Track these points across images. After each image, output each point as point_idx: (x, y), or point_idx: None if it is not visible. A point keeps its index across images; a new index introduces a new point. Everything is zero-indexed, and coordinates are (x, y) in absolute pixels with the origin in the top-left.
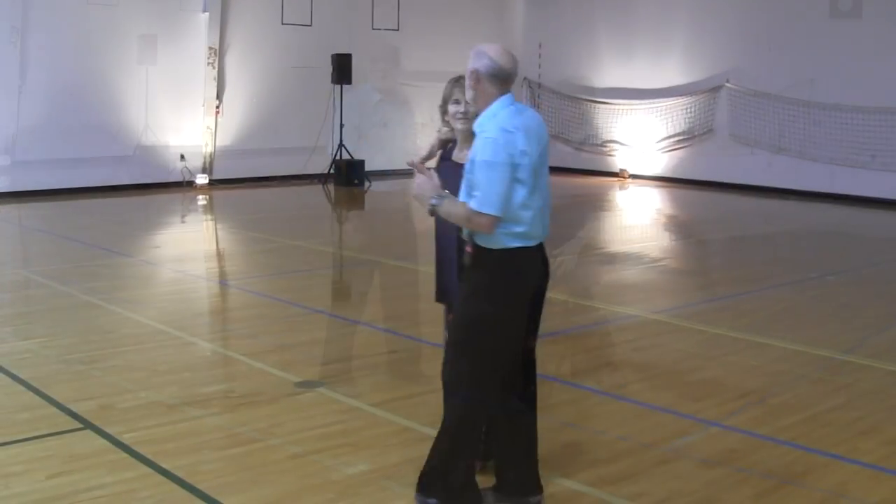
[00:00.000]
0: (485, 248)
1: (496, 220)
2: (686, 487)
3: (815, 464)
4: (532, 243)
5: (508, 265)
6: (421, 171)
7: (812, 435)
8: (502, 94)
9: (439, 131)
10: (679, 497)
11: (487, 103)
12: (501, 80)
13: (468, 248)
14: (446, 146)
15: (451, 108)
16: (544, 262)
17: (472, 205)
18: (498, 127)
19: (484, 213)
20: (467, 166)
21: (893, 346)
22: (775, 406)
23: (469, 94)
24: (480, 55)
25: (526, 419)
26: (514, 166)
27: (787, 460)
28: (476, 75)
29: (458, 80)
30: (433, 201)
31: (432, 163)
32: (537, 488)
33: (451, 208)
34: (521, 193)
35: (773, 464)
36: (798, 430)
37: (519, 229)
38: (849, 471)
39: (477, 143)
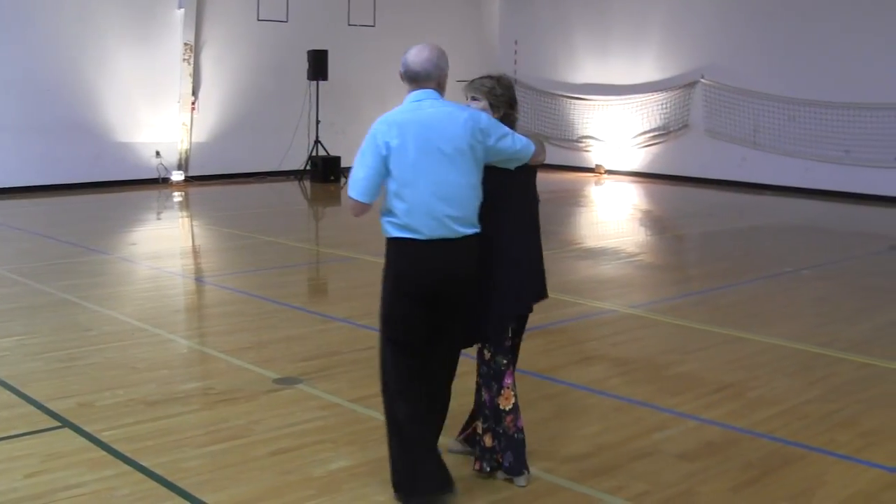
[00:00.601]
0: (386, 237)
1: (361, 205)
2: (664, 480)
3: (793, 456)
4: (418, 237)
5: (396, 255)
6: None
7: (789, 428)
8: (414, 90)
9: None
10: (658, 490)
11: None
12: (410, 78)
13: None
14: None
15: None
16: (444, 263)
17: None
18: (379, 119)
19: (350, 197)
20: None
21: (868, 339)
22: (752, 399)
23: None
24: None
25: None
26: (382, 157)
27: (765, 453)
28: (400, 73)
29: (472, 81)
30: None
31: None
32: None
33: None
34: (391, 185)
35: (751, 456)
36: (775, 422)
37: (396, 220)
38: (826, 463)
39: None
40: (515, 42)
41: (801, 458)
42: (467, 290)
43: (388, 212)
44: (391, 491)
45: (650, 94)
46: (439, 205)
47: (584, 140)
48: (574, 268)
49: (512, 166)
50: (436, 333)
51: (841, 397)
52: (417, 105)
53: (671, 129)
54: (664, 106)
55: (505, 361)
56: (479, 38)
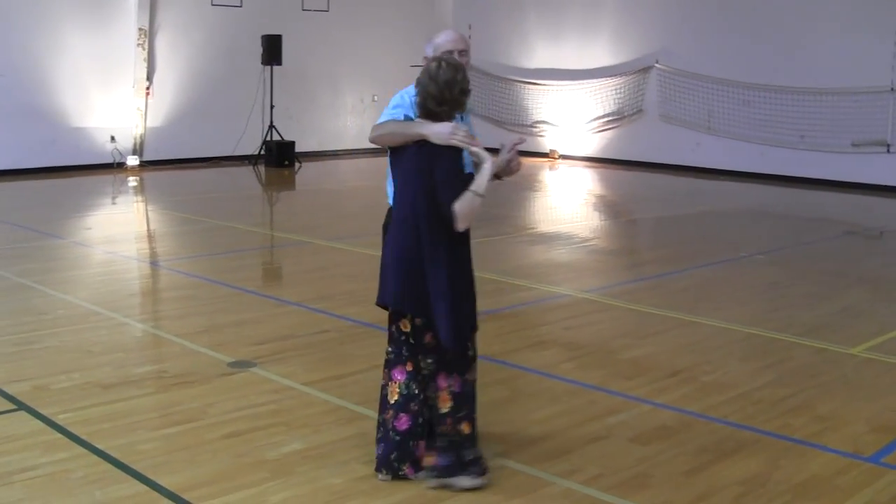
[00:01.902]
0: None
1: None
2: (618, 464)
3: (747, 441)
4: None
5: None
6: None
7: (743, 412)
8: None
9: None
10: (611, 474)
11: None
12: None
13: None
14: None
15: None
16: None
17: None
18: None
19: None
20: None
21: (821, 324)
22: (706, 384)
23: None
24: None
25: None
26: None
27: (719, 437)
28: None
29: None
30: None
31: None
32: None
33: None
34: None
35: (705, 441)
36: (729, 407)
37: None
38: (780, 447)
39: None
40: (469, 27)
41: (755, 442)
42: None
43: None
44: (345, 472)
45: (604, 78)
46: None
47: (538, 125)
48: (527, 252)
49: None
50: None
51: (795, 382)
52: None
53: (625, 113)
54: (618, 91)
55: (389, 349)
56: (432, 23)
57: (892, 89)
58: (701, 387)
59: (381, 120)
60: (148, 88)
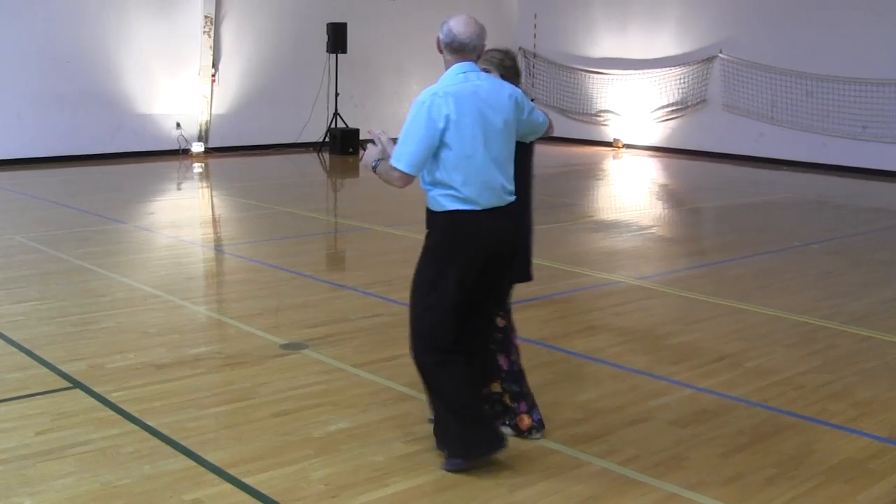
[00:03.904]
0: (432, 210)
1: (406, 177)
2: (655, 446)
3: (784, 424)
4: (475, 207)
5: (451, 228)
6: (376, 140)
7: (783, 397)
8: (458, 62)
9: None
10: (647, 455)
11: (446, 70)
12: (455, 49)
13: None
14: None
15: None
16: (499, 230)
17: (391, 160)
18: (430, 91)
19: (395, 168)
20: None
21: (869, 312)
22: (750, 369)
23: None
24: (443, 25)
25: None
26: (439, 129)
27: (757, 421)
28: (438, 43)
29: (487, 51)
30: (372, 164)
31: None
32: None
33: (383, 167)
34: (448, 156)
35: (743, 424)
36: (770, 392)
37: (454, 192)
38: (817, 431)
39: None
40: (535, 16)
41: (792, 426)
42: (512, 254)
43: (443, 185)
44: (388, 451)
45: (668, 68)
46: (496, 175)
47: (602, 114)
48: (585, 240)
49: (530, 139)
50: (484, 296)
51: (838, 369)
52: (465, 77)
53: (689, 103)
54: (682, 80)
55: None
56: (498, 11)
57: None
58: (744, 372)
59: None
60: (213, 75)
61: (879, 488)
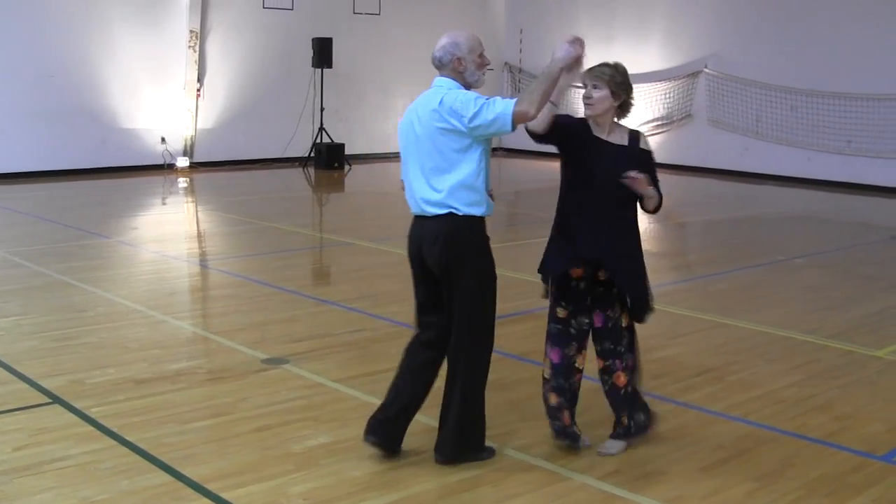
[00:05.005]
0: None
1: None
2: (635, 460)
3: (765, 438)
4: (412, 212)
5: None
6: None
7: (764, 411)
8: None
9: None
10: (628, 470)
11: None
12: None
13: None
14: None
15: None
16: (417, 239)
17: None
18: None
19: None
20: None
21: (852, 327)
22: (731, 384)
23: None
24: None
25: None
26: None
27: (738, 435)
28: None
29: (591, 69)
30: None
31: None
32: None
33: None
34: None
35: (723, 439)
36: (751, 406)
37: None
38: (796, 445)
39: None
40: (521, 31)
41: (773, 440)
42: (439, 267)
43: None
44: (368, 465)
45: (654, 83)
46: (418, 184)
47: None
48: None
49: (503, 134)
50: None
51: (819, 383)
52: (426, 92)
53: (674, 118)
54: (668, 95)
55: (585, 321)
56: (484, 26)
57: None
58: (726, 386)
59: (498, 106)
60: (199, 90)
61: (859, 502)
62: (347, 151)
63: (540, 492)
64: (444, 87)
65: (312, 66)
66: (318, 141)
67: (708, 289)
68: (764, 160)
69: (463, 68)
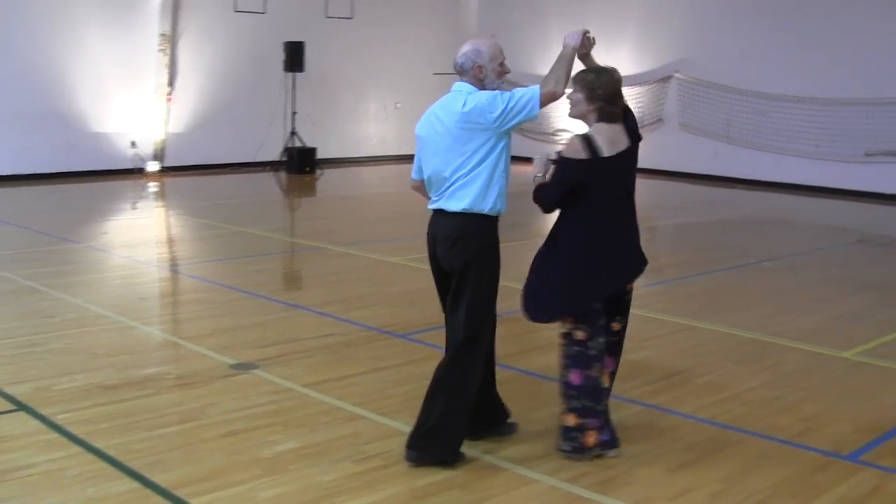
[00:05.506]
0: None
1: (415, 183)
2: (604, 463)
3: (732, 440)
4: (431, 206)
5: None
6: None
7: (732, 413)
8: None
9: None
10: (596, 472)
11: None
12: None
13: None
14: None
15: None
16: (436, 239)
17: None
18: None
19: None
20: None
21: (819, 328)
22: (699, 386)
23: None
24: None
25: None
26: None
27: (705, 437)
28: None
29: (576, 73)
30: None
31: None
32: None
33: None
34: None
35: (691, 440)
36: (719, 408)
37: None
38: (764, 446)
39: None
40: (492, 35)
41: (740, 441)
42: (460, 261)
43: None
44: (337, 470)
45: (625, 87)
46: (437, 179)
47: (559, 133)
48: None
49: (530, 120)
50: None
51: (786, 384)
52: (445, 96)
53: (646, 122)
54: (639, 100)
55: (601, 339)
56: (455, 30)
57: None
58: (694, 389)
59: (524, 94)
60: (169, 94)
61: (824, 501)
62: (319, 156)
63: (509, 494)
64: (463, 92)
65: (284, 69)
66: (290, 145)
67: (677, 292)
68: (734, 164)
69: (483, 76)
